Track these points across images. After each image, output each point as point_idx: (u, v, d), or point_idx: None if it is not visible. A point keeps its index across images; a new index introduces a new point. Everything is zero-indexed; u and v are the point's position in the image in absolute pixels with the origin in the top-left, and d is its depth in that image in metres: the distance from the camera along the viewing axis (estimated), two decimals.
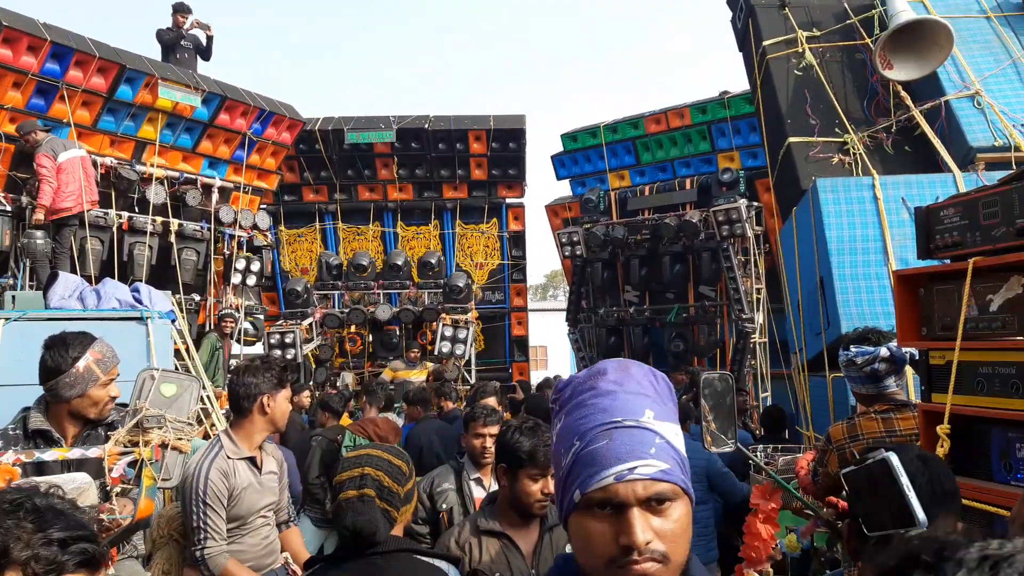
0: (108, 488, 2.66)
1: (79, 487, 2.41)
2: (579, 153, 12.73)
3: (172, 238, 9.61)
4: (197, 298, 9.95)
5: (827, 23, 6.54)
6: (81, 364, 2.87)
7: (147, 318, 4.34)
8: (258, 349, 11.11)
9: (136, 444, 2.72)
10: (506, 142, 12.43)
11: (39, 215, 7.79)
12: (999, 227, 1.95)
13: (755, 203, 10.76)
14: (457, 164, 12.59)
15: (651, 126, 11.98)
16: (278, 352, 10.64)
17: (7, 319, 4.19)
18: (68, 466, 2.77)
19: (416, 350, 10.86)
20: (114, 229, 9.00)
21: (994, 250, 1.98)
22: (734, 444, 3.86)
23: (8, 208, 8.01)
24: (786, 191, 6.29)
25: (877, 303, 4.96)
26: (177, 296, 9.50)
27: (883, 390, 2.82)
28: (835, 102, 6.04)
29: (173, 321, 5.22)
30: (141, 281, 8.80)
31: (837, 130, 5.98)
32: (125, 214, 9.17)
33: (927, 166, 5.72)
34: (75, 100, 8.56)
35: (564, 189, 13.55)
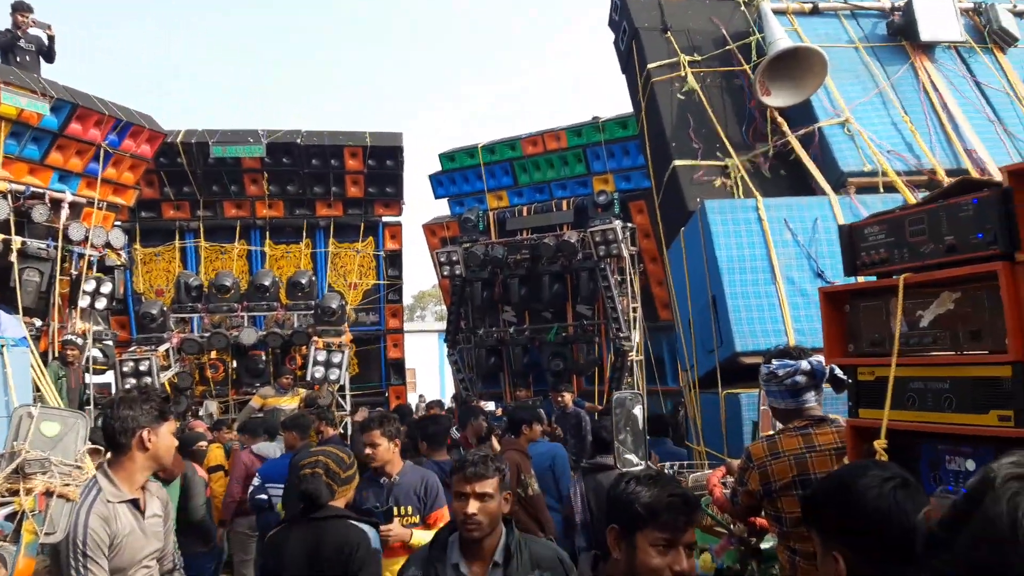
0: None
1: None
2: (457, 173, 12.73)
3: (13, 257, 8.68)
4: (39, 323, 9.03)
5: (707, 48, 6.84)
6: None
7: (1, 346, 3.82)
8: (109, 378, 10.24)
9: (15, 493, 2.36)
10: (383, 159, 12.20)
11: None
12: (927, 244, 2.02)
13: (629, 224, 11.07)
14: (332, 181, 12.21)
15: (528, 148, 12.17)
16: (132, 380, 9.84)
17: None
18: None
19: (288, 376, 10.35)
20: None
21: (923, 266, 2.05)
22: (645, 462, 3.87)
23: None
24: (671, 212, 6.48)
25: (768, 320, 5.16)
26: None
27: (801, 405, 2.86)
28: (717, 126, 6.30)
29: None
30: None
31: (719, 154, 6.25)
32: None
33: (801, 189, 6.07)
34: None
35: (442, 209, 13.48)
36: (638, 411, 4.29)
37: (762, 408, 4.00)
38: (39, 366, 7.56)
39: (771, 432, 3.22)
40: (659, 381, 10.93)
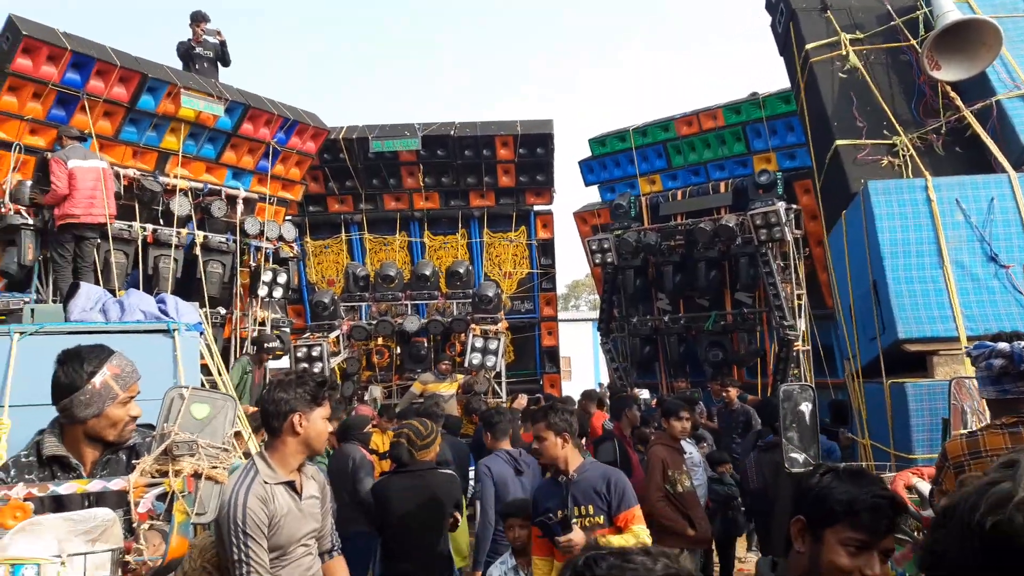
0: (134, 524, 2.43)
1: (101, 524, 2.23)
2: (608, 158, 12.93)
3: (197, 250, 9.85)
4: (223, 312, 10.20)
5: (870, 25, 6.75)
6: (97, 380, 2.69)
7: (174, 330, 4.02)
8: (284, 363, 11.35)
9: (165, 474, 2.46)
10: (533, 147, 12.64)
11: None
12: None
13: (794, 206, 10.86)
14: (484, 171, 12.84)
15: (682, 128, 12.15)
16: (305, 366, 10.85)
17: (23, 333, 3.92)
18: (88, 499, 2.57)
19: (447, 362, 11.06)
20: (139, 242, 9.23)
21: None
22: (816, 463, 3.81)
23: (31, 222, 8.20)
24: (834, 194, 6.47)
25: (934, 306, 5.10)
26: (203, 310, 9.72)
27: (1004, 395, 2.70)
28: (883, 104, 6.25)
29: (201, 334, 5.16)
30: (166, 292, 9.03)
31: (885, 132, 6.18)
32: (149, 226, 9.41)
33: (978, 167, 5.88)
34: (96, 110, 8.78)
35: (592, 196, 13.74)
36: (807, 406, 4.15)
37: (952, 403, 3.91)
38: (214, 352, 8.52)
39: (966, 430, 3.07)
40: (828, 372, 10.65)
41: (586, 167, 13.18)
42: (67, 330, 4.08)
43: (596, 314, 26.73)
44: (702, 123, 11.94)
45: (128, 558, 2.31)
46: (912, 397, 4.92)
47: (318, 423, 3.07)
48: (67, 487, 2.39)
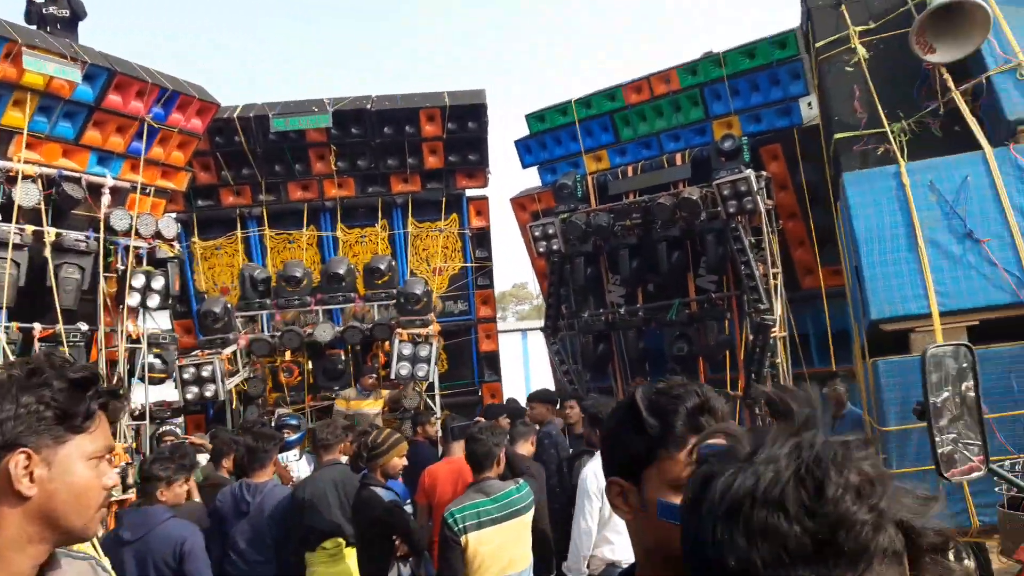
0: None
1: None
2: (547, 135, 12.62)
3: (47, 252, 8.96)
4: (84, 328, 9.29)
5: (885, 12, 7.28)
6: None
7: None
8: (169, 388, 10.57)
9: None
10: (464, 121, 12.37)
11: None
12: None
13: (764, 172, 10.67)
14: (407, 151, 12.47)
15: (631, 96, 11.92)
16: (194, 390, 10.09)
17: None
18: None
19: (372, 376, 10.65)
20: None
21: None
22: (984, 464, 2.69)
23: None
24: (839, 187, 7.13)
25: (908, 286, 5.93)
26: (55, 327, 8.89)
27: None
28: (874, 94, 6.84)
29: None
30: (1, 308, 8.17)
31: (887, 120, 6.76)
32: None
33: (977, 146, 6.32)
34: None
35: (530, 181, 13.37)
36: (966, 380, 2.81)
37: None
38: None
39: None
40: (804, 362, 10.56)
41: (523, 147, 12.88)
42: None
43: (524, 324, 26.83)
44: (653, 88, 11.71)
45: None
46: (883, 373, 5.85)
47: (76, 469, 1.63)
48: None
